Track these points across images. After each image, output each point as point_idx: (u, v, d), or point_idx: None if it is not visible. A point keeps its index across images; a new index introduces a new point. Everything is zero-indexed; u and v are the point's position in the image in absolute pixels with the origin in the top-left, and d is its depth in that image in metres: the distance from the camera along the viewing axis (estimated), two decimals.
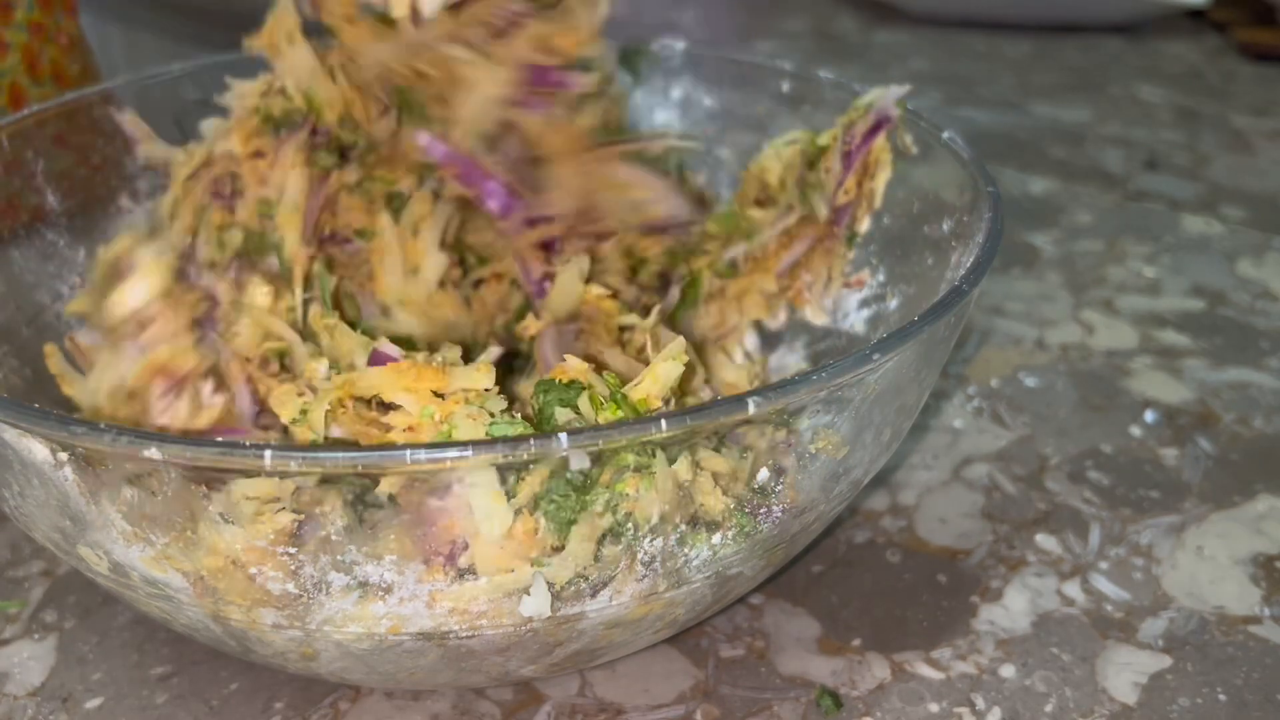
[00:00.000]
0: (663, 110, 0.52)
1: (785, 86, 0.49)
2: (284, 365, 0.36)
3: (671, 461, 0.28)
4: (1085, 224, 0.68)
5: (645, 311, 0.39)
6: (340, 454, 0.26)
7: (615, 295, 0.39)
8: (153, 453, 0.25)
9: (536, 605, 0.29)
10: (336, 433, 0.31)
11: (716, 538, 0.30)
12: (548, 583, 0.28)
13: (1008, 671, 0.36)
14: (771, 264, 0.44)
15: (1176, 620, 0.38)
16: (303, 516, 0.27)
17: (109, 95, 0.45)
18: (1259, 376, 0.52)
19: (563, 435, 0.25)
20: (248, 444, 0.26)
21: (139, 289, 0.34)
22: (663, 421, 0.26)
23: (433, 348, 0.34)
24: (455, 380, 0.31)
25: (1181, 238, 0.66)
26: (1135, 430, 0.48)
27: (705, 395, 0.39)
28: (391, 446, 0.25)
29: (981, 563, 0.41)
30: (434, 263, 0.39)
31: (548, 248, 0.40)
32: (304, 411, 0.31)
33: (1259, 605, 0.39)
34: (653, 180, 0.41)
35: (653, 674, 0.36)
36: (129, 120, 0.42)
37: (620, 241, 0.41)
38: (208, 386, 0.35)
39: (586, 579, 0.29)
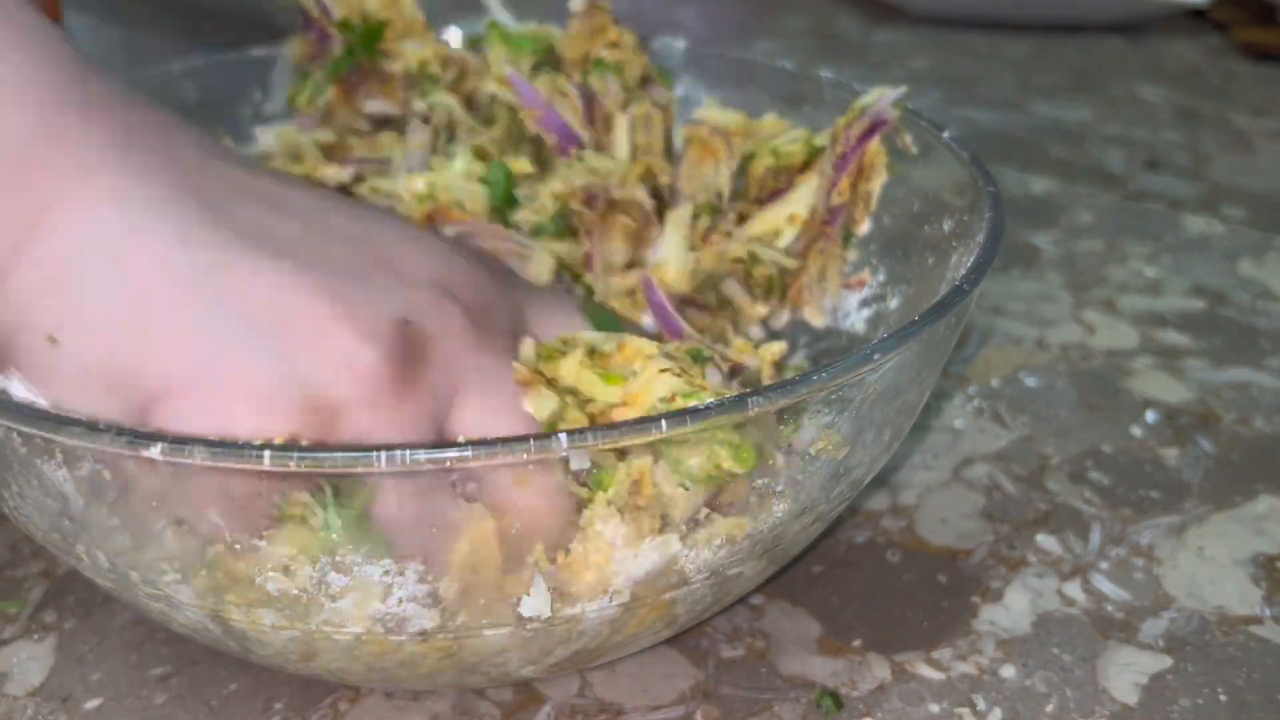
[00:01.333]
0: None
1: (785, 86, 0.49)
2: None
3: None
4: (1086, 224, 0.68)
5: None
6: (340, 454, 0.26)
7: None
8: (153, 452, 0.25)
9: (536, 605, 0.29)
10: None
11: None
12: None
13: (1008, 672, 0.36)
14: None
15: (1177, 620, 0.38)
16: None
17: None
18: (1260, 376, 0.52)
19: (562, 435, 0.25)
20: (247, 444, 0.25)
21: None
22: (663, 422, 0.26)
23: None
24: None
25: (1182, 238, 0.66)
26: (1136, 430, 0.48)
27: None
28: (391, 446, 0.25)
29: (982, 563, 0.41)
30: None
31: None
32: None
33: (1260, 605, 0.39)
34: None
35: (653, 674, 0.36)
36: None
37: None
38: None
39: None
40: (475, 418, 0.30)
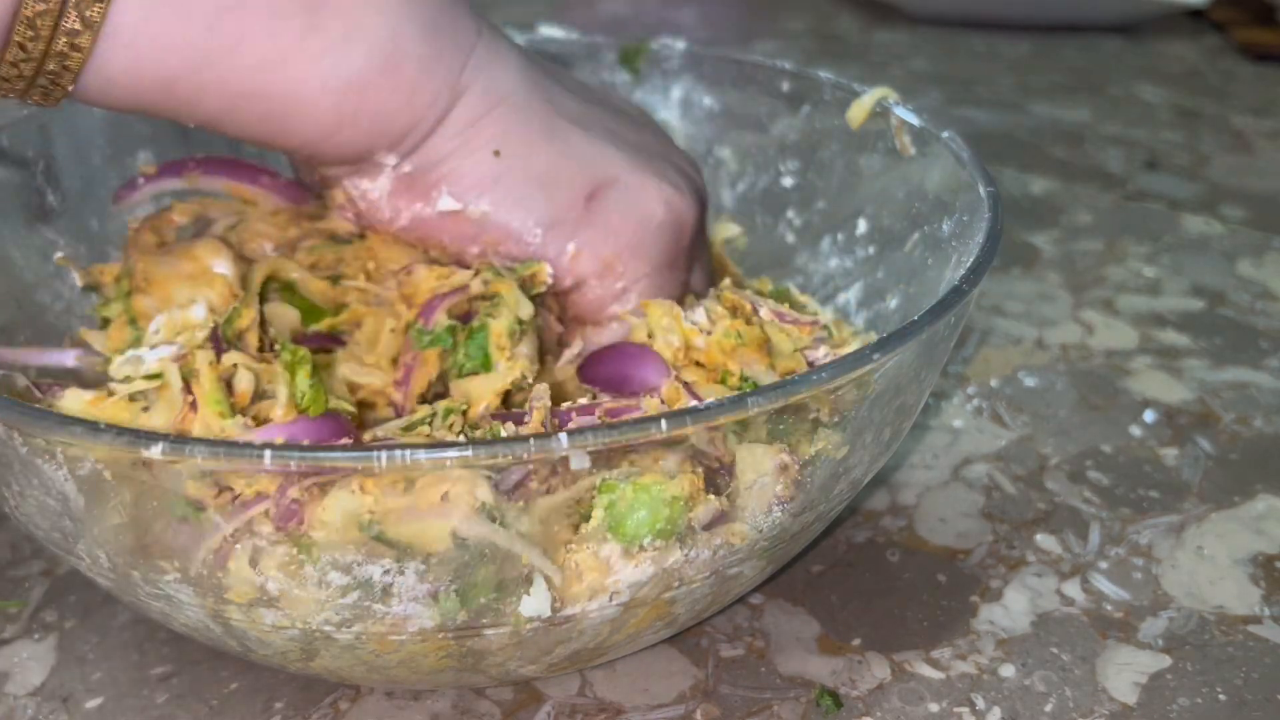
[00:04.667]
0: (663, 110, 0.52)
1: (785, 86, 0.49)
2: None
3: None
4: (1085, 224, 0.68)
5: None
6: (340, 454, 0.26)
7: None
8: (153, 452, 0.25)
9: (536, 605, 0.29)
10: None
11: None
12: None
13: (1007, 671, 0.36)
14: None
15: (1176, 620, 0.38)
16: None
17: None
18: (1259, 376, 0.52)
19: (562, 435, 0.25)
20: (247, 444, 0.26)
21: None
22: (663, 422, 0.26)
23: None
24: None
25: (1181, 238, 0.66)
26: (1135, 430, 0.48)
27: None
28: (390, 446, 0.25)
29: (981, 562, 0.41)
30: None
31: None
32: None
33: (1259, 605, 0.39)
34: None
35: (653, 674, 0.36)
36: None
37: None
38: None
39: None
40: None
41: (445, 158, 0.36)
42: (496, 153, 0.36)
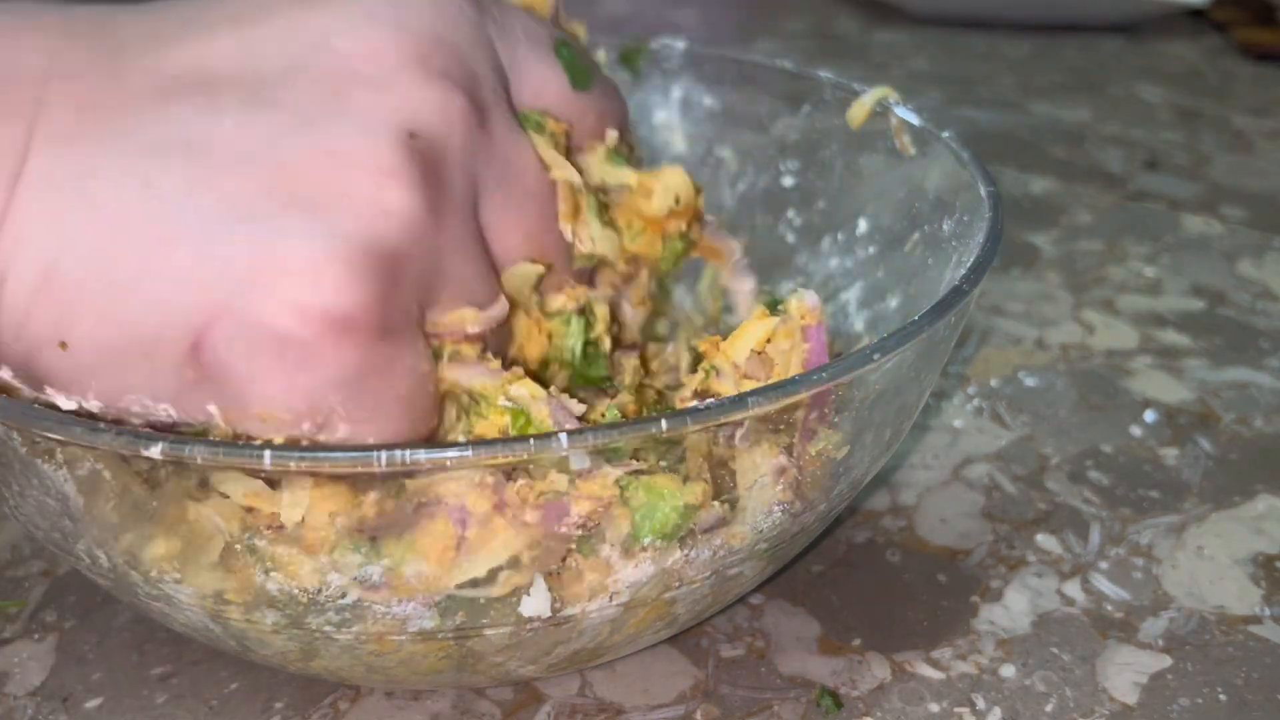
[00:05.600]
0: (663, 110, 0.52)
1: (785, 86, 0.49)
2: None
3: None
4: (1085, 224, 0.68)
5: None
6: (339, 454, 0.26)
7: None
8: (153, 452, 0.25)
9: (536, 605, 0.29)
10: None
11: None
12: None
13: (1008, 671, 0.36)
14: None
15: (1177, 620, 0.38)
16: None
17: None
18: (1259, 376, 0.52)
19: (562, 435, 0.25)
20: (246, 444, 0.26)
21: None
22: (663, 422, 0.26)
23: None
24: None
25: (1181, 238, 0.66)
26: (1135, 430, 0.48)
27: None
28: (390, 446, 0.25)
29: (981, 562, 0.41)
30: None
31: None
32: None
33: (1259, 605, 0.39)
34: None
35: (653, 674, 0.36)
36: None
37: None
38: None
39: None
40: (502, 211, 0.29)
41: (29, 354, 0.26)
42: (63, 345, 0.26)
